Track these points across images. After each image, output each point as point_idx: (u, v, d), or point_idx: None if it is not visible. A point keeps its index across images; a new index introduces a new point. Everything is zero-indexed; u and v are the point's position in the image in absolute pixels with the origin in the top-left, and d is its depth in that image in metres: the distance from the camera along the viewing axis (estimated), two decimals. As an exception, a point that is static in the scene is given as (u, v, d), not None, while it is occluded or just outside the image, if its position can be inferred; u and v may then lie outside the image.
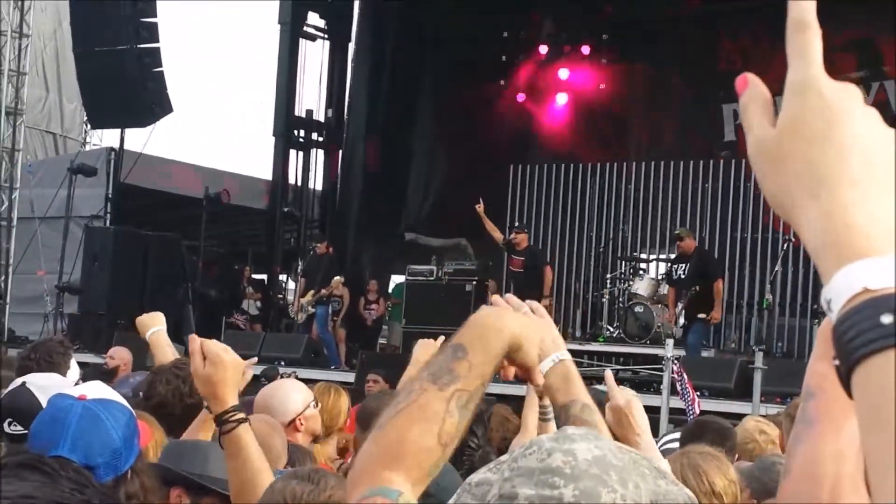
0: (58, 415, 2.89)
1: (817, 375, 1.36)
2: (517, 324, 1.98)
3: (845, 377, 0.92)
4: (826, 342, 1.33)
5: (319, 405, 4.89)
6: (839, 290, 0.93)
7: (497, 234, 15.40)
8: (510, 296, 2.33)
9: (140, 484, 2.81)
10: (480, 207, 15.08)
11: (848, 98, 1.00)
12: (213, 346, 2.92)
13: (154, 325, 5.07)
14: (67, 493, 1.11)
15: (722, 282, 14.31)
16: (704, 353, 14.28)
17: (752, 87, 1.08)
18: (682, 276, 14.00)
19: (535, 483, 1.47)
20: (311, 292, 16.31)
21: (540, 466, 1.48)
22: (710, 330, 14.39)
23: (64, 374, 4.93)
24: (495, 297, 2.25)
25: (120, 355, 9.28)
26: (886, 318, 0.90)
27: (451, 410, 1.83)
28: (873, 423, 0.89)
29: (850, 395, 0.92)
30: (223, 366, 2.87)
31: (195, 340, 2.96)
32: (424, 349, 4.63)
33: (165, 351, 4.99)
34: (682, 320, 13.73)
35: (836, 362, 0.94)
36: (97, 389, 3.10)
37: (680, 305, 13.78)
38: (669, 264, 15.05)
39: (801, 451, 1.33)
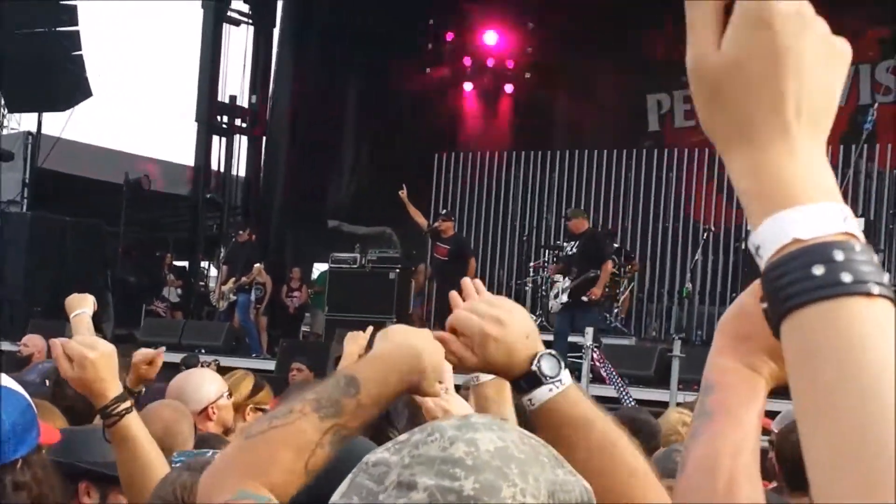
0: None
1: (717, 370, 1.33)
2: (426, 360, 1.89)
3: (775, 324, 0.94)
4: (725, 336, 1.33)
5: (233, 397, 4.83)
6: (768, 237, 0.95)
7: (421, 220, 15.36)
8: (478, 282, 2.20)
9: (32, 475, 2.74)
10: (404, 193, 15.04)
11: (800, 35, 0.97)
12: (75, 347, 2.84)
13: (80, 306, 4.97)
14: None
15: (611, 263, 14.10)
16: (625, 342, 14.40)
17: None
18: (570, 253, 13.84)
19: (436, 473, 1.45)
20: (233, 280, 16.20)
21: (441, 455, 1.46)
22: (599, 313, 13.94)
23: None
24: (465, 281, 2.13)
25: (34, 343, 9.16)
26: (818, 270, 0.92)
27: (324, 443, 1.78)
28: (801, 371, 0.92)
29: (777, 338, 0.94)
30: (90, 364, 2.80)
31: (56, 346, 2.88)
32: (354, 341, 4.60)
33: (85, 336, 4.88)
34: (564, 297, 13.43)
35: (765, 306, 0.95)
36: None
37: (567, 281, 13.50)
38: (562, 241, 14.87)
39: (698, 445, 1.31)
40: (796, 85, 0.97)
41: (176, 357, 11.16)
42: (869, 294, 0.91)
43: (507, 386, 2.44)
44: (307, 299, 17.80)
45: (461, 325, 1.91)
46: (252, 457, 1.81)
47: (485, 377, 2.43)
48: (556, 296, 13.64)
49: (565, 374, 1.88)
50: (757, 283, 1.27)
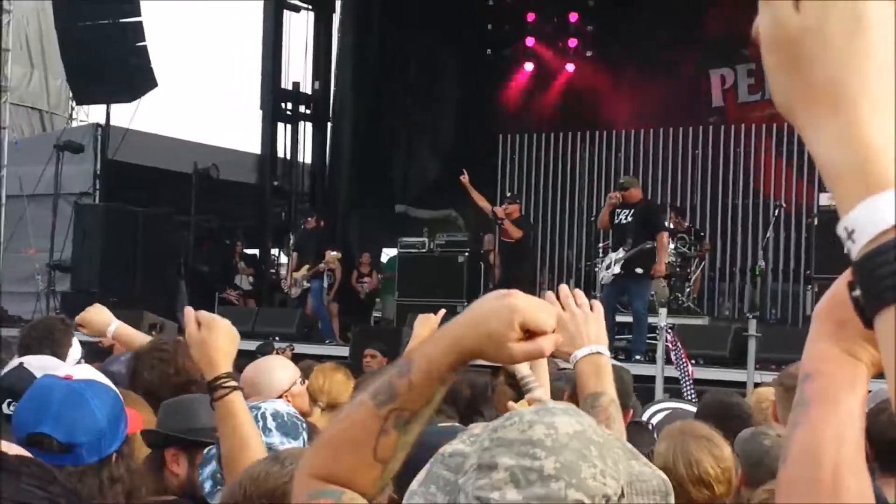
0: (41, 393, 2.89)
1: (815, 357, 1.31)
2: (471, 341, 1.74)
3: (868, 315, 0.90)
4: (823, 323, 1.30)
5: (306, 382, 4.84)
6: (864, 223, 0.90)
7: (485, 204, 15.32)
8: (563, 289, 2.33)
9: (126, 467, 2.80)
10: (465, 178, 15.03)
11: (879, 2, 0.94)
12: (206, 313, 2.95)
13: (108, 320, 5.01)
14: (29, 490, 1.08)
15: (667, 235, 13.79)
16: (699, 321, 14.27)
17: None
18: (623, 222, 13.29)
19: (516, 453, 1.47)
20: (306, 267, 16.29)
21: (521, 437, 1.49)
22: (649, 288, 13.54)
23: (65, 352, 4.89)
24: (549, 294, 2.25)
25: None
26: None
27: (387, 430, 1.73)
28: None
29: (869, 328, 0.90)
30: (217, 330, 2.88)
31: (189, 311, 2.97)
32: (424, 324, 4.59)
33: (138, 340, 4.93)
34: (617, 268, 12.86)
35: (857, 293, 0.92)
36: (84, 371, 3.09)
37: (622, 252, 12.97)
38: (612, 208, 14.08)
39: (799, 434, 1.29)
40: (884, 54, 0.92)
41: (251, 345, 11.28)
42: None
43: (607, 362, 2.51)
44: (377, 285, 17.87)
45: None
46: (318, 461, 1.80)
47: (581, 353, 2.51)
48: (609, 266, 13.11)
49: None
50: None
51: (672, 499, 1.58)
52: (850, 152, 0.91)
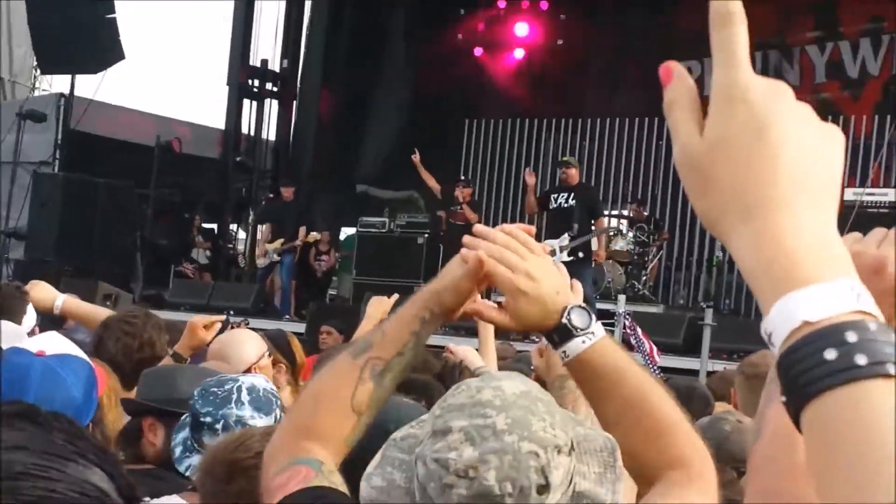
0: (17, 373, 2.87)
1: None
2: (433, 282, 1.93)
3: (794, 417, 0.89)
4: None
5: (272, 356, 4.86)
6: (778, 324, 0.90)
7: (433, 184, 15.37)
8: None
9: (100, 434, 2.83)
10: (417, 157, 15.10)
11: (777, 103, 0.95)
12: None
13: (53, 296, 5.01)
14: (60, 445, 1.09)
15: (605, 221, 13.88)
16: (654, 309, 14.37)
17: (676, 83, 1.02)
18: (564, 206, 13.13)
19: (468, 415, 1.54)
20: (280, 240, 16.20)
21: (470, 401, 1.56)
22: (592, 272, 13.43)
23: (20, 321, 4.87)
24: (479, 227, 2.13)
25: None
26: (830, 354, 0.86)
27: (364, 378, 1.83)
28: (825, 462, 0.86)
29: (799, 430, 0.89)
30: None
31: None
32: (376, 306, 4.62)
33: (96, 312, 4.92)
34: (565, 256, 12.41)
35: (783, 399, 0.90)
36: (55, 344, 3.07)
37: (567, 238, 12.76)
38: (546, 192, 14.11)
39: (775, 411, 1.29)
40: (787, 153, 0.93)
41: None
42: (887, 375, 0.84)
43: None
44: (335, 263, 17.87)
45: (494, 278, 1.88)
46: (300, 415, 1.88)
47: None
48: (554, 254, 12.90)
49: (597, 327, 1.89)
50: (849, 236, 1.27)
51: (619, 454, 1.63)
52: (763, 256, 0.91)
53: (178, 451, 3.21)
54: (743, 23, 0.98)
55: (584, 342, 1.86)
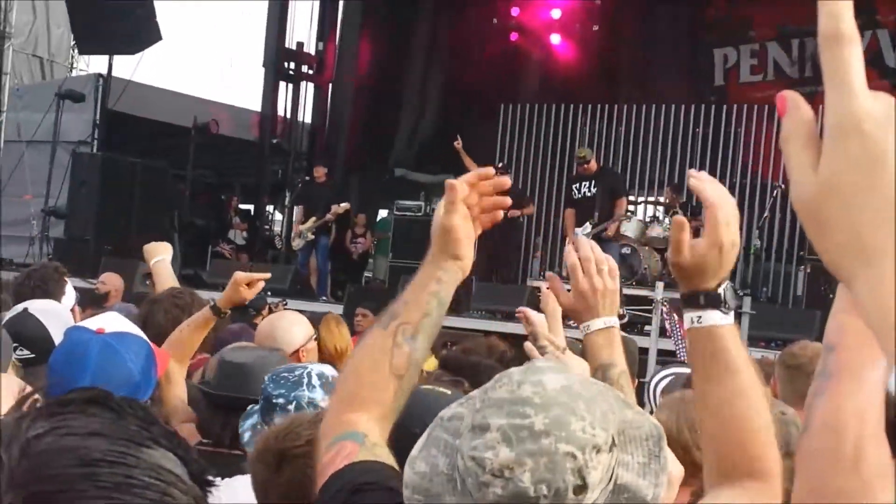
0: (77, 349, 2.90)
1: (838, 329, 1.32)
2: (433, 240, 2.09)
3: None
4: (846, 294, 1.30)
5: (318, 338, 4.90)
6: None
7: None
8: (584, 248, 2.37)
9: (158, 413, 2.85)
10: (458, 144, 15.11)
11: (892, 133, 0.89)
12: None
13: (159, 253, 5.10)
14: (135, 431, 1.10)
15: (625, 201, 14.25)
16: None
17: (792, 113, 0.96)
18: (588, 194, 13.67)
19: (507, 413, 1.53)
20: (312, 219, 16.20)
21: (510, 397, 1.55)
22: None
23: (59, 300, 4.93)
24: (569, 250, 2.30)
25: (111, 281, 9.26)
26: None
27: (399, 343, 1.93)
28: None
29: None
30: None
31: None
32: None
33: (166, 280, 5.00)
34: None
35: None
36: (114, 322, 3.11)
37: (588, 227, 13.28)
38: (568, 183, 14.55)
39: (822, 404, 1.30)
40: None
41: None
42: None
43: (618, 334, 2.52)
44: (370, 246, 17.89)
45: (723, 201, 1.97)
46: (343, 389, 1.97)
47: (595, 325, 2.52)
48: None
49: (732, 316, 1.96)
50: None
51: (665, 442, 1.62)
52: (884, 304, 0.88)
53: (247, 435, 3.27)
54: (857, 43, 0.92)
55: (722, 317, 1.94)
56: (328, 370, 3.36)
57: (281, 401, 3.22)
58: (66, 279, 5.36)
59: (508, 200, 2.20)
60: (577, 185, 13.85)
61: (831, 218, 0.90)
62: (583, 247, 2.44)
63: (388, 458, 1.82)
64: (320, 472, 1.84)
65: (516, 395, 1.54)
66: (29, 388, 3.16)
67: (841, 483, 1.24)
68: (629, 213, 16.17)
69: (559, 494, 1.49)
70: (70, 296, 5.22)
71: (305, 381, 3.27)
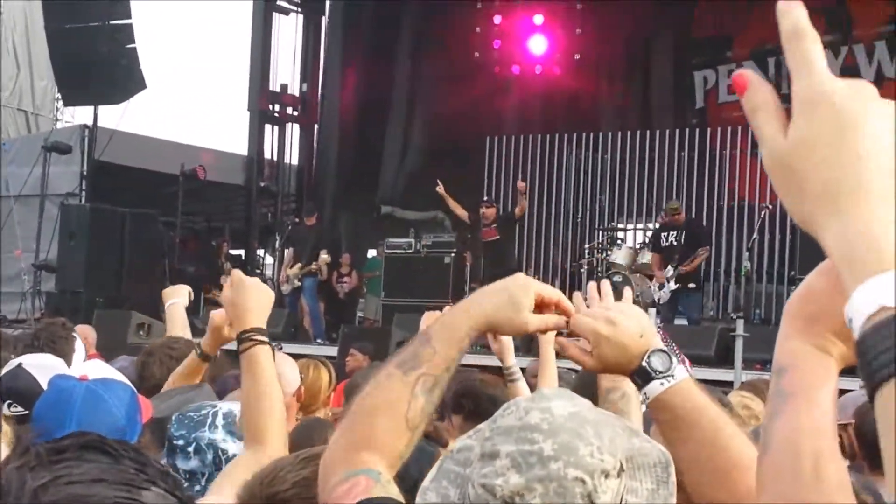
0: (61, 396, 2.91)
1: (788, 352, 1.34)
2: (490, 306, 1.97)
3: (869, 396, 0.91)
4: (793, 319, 1.34)
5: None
6: (858, 308, 0.93)
7: (461, 212, 15.55)
8: (604, 284, 2.34)
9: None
10: (441, 189, 15.27)
11: (858, 102, 0.99)
12: (237, 273, 3.02)
13: (173, 297, 5.09)
14: (133, 474, 1.12)
15: (707, 249, 14.71)
16: (682, 321, 14.36)
17: (753, 89, 1.05)
18: (674, 244, 14.30)
19: (515, 440, 1.55)
20: (299, 265, 16.25)
21: (518, 424, 1.56)
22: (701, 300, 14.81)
23: (70, 359, 4.93)
24: (592, 285, 2.25)
25: (83, 332, 9.26)
26: None
27: (417, 394, 1.88)
28: (885, 446, 0.89)
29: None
30: (244, 289, 2.94)
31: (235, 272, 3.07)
32: (430, 321, 4.62)
33: (175, 324, 5.01)
34: (672, 284, 13.94)
35: (861, 385, 0.92)
36: (98, 369, 3.12)
37: (671, 270, 13.99)
38: (657, 231, 15.29)
39: (779, 425, 1.32)
40: (871, 150, 0.96)
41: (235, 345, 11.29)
42: None
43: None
44: (357, 285, 17.90)
45: (577, 328, 2.01)
46: (354, 432, 1.90)
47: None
48: (662, 287, 14.08)
49: (679, 370, 1.95)
50: (822, 265, 1.29)
51: (673, 469, 1.63)
52: (849, 246, 0.95)
53: None
54: (815, 37, 1.01)
55: (661, 384, 1.93)
56: (236, 408, 3.27)
57: (181, 442, 3.17)
58: (75, 336, 5.37)
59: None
60: (666, 233, 14.63)
61: (804, 171, 0.98)
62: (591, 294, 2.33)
63: (400, 498, 1.81)
64: (332, 500, 1.83)
65: (524, 421, 1.56)
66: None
67: (803, 499, 1.26)
68: (619, 241, 16.26)
69: None
70: (80, 351, 5.23)
71: (209, 420, 3.20)
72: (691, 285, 14.13)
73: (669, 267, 14.06)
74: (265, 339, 2.89)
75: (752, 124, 1.04)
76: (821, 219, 0.98)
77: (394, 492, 1.81)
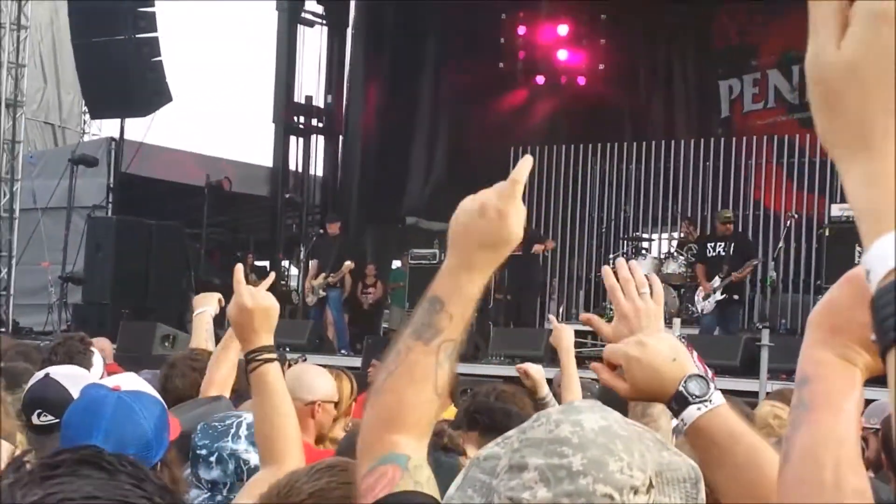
0: (92, 405, 2.93)
1: (812, 362, 1.34)
2: (475, 240, 1.95)
3: (881, 354, 0.90)
4: (818, 330, 1.34)
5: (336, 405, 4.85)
6: (876, 263, 0.89)
7: None
8: (623, 269, 2.33)
9: (169, 475, 2.86)
10: None
11: None
12: (241, 290, 2.93)
13: (203, 304, 5.10)
14: (129, 490, 1.10)
15: (755, 261, 14.72)
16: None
17: None
18: (722, 254, 14.26)
19: (545, 453, 1.52)
20: (322, 276, 16.26)
21: (548, 437, 1.54)
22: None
23: (88, 371, 4.96)
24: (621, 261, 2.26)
25: (100, 345, 9.30)
26: None
27: (441, 362, 1.85)
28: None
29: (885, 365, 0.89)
30: (245, 312, 2.89)
31: (238, 273, 3.01)
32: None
33: (199, 335, 5.02)
34: (718, 295, 13.89)
35: (873, 338, 0.90)
36: (131, 381, 3.14)
37: (717, 280, 13.94)
38: (702, 241, 15.27)
39: (801, 435, 1.31)
40: None
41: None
42: None
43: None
44: (382, 295, 17.90)
45: (610, 355, 2.01)
46: (383, 409, 1.87)
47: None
48: (707, 297, 14.01)
49: (716, 395, 1.93)
50: (847, 275, 1.29)
51: (702, 485, 1.62)
52: (874, 192, 0.90)
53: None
54: None
55: (698, 409, 1.91)
56: None
57: (203, 452, 3.21)
58: (93, 350, 5.39)
59: None
60: (713, 243, 14.51)
61: (845, 97, 0.91)
62: (622, 268, 2.34)
63: (429, 483, 1.79)
64: (361, 495, 1.82)
65: (554, 434, 1.54)
66: (18, 452, 3.19)
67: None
68: (644, 251, 16.21)
69: None
70: (98, 366, 5.25)
71: (233, 430, 3.24)
72: (735, 297, 14.07)
73: (717, 277, 13.97)
74: (272, 355, 2.88)
75: (811, 13, 0.95)
76: (847, 151, 0.92)
77: (423, 477, 1.79)
